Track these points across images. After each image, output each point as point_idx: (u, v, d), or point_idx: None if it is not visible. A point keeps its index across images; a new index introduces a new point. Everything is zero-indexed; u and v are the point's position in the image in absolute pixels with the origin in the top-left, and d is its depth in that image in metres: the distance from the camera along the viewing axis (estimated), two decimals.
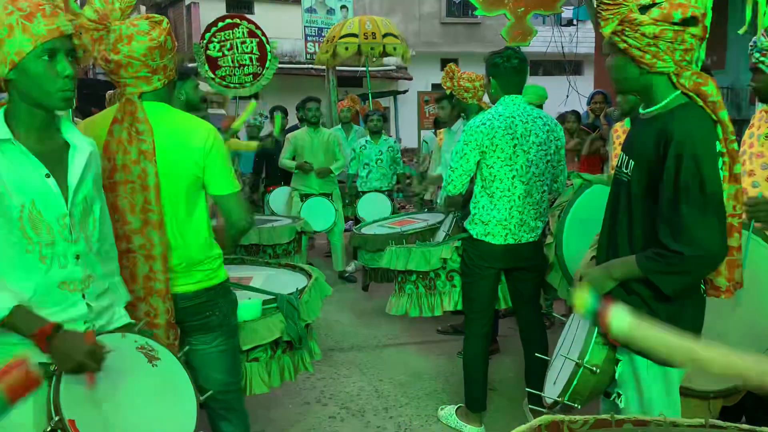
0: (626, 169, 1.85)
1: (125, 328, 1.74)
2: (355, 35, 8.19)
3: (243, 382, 2.36)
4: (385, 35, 8.33)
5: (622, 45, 1.74)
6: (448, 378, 3.87)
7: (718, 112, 1.72)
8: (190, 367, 2.14)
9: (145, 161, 1.86)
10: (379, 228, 5.11)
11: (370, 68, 8.83)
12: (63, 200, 1.59)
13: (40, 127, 1.60)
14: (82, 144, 1.66)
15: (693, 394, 2.34)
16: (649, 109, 1.82)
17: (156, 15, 1.97)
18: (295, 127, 7.13)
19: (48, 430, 1.45)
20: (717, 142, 1.70)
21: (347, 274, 6.29)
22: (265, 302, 2.45)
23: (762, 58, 2.41)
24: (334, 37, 8.39)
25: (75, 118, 3.88)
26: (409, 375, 3.93)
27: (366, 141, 6.41)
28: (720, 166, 1.71)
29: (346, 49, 8.17)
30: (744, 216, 2.07)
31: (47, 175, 1.57)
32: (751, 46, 2.47)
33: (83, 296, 1.64)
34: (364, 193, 6.34)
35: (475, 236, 3.02)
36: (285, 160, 6.05)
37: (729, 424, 1.26)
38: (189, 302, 2.03)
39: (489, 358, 3.45)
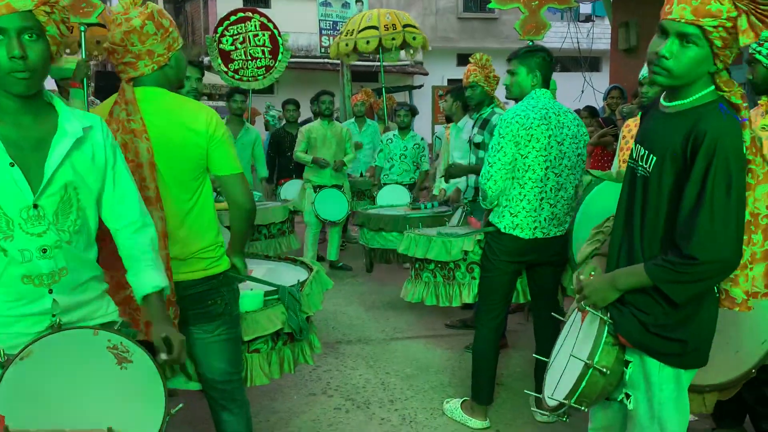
0: (645, 163, 1.76)
1: (106, 326, 1.67)
2: (375, 27, 8.11)
3: (243, 373, 2.36)
4: (405, 26, 8.25)
5: (720, 42, 1.58)
6: (455, 372, 3.86)
7: (743, 114, 1.65)
8: (192, 357, 2.16)
9: (136, 139, 1.91)
10: (385, 211, 5.22)
11: (385, 63, 8.76)
12: (29, 191, 1.51)
13: (17, 112, 1.52)
14: (72, 129, 1.57)
15: (689, 389, 2.31)
16: (675, 102, 1.72)
17: (149, 2, 1.99)
18: (308, 120, 7.19)
19: None
20: (744, 145, 1.63)
21: (341, 264, 6.45)
22: (266, 294, 2.45)
23: (759, 48, 2.37)
24: (353, 30, 8.26)
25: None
26: (416, 368, 3.93)
27: (393, 135, 6.48)
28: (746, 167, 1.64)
29: (367, 42, 8.06)
30: None
31: (11, 164, 1.49)
32: None
33: (50, 291, 1.56)
34: (385, 185, 6.43)
35: (502, 230, 2.98)
36: (299, 153, 6.15)
37: None
38: (191, 290, 2.04)
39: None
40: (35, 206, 1.51)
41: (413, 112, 6.77)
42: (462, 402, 3.27)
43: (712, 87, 1.68)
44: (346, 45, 8.21)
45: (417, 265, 3.54)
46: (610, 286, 1.79)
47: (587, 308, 1.86)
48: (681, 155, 1.65)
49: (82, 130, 1.59)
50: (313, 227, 6.21)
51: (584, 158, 3.05)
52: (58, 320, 1.58)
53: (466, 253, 3.26)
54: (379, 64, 8.75)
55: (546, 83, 3.03)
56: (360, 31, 8.18)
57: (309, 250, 6.32)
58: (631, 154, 1.87)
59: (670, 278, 1.65)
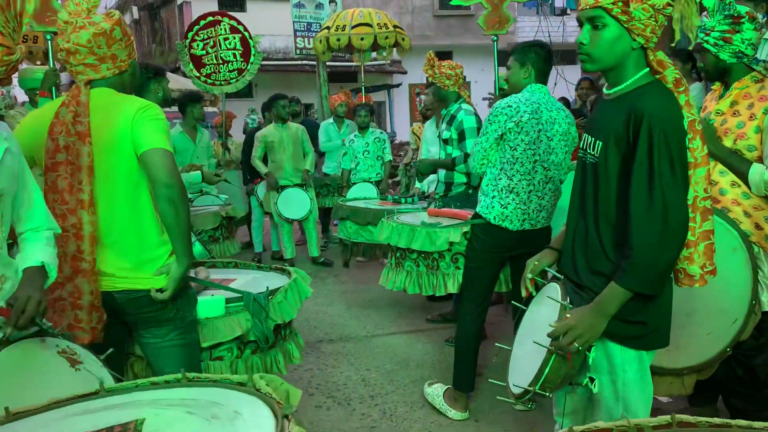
0: (593, 150, 1.83)
1: (44, 332, 1.67)
2: (369, 25, 8.08)
3: None
4: (394, 26, 8.29)
5: (624, 17, 1.68)
6: (435, 365, 3.90)
7: (679, 95, 1.72)
8: (147, 362, 2.17)
9: (79, 142, 1.92)
10: (366, 204, 5.30)
11: (364, 63, 8.76)
12: None
13: None
14: None
15: (666, 372, 2.36)
16: (615, 89, 1.79)
17: (113, 10, 2.02)
18: None
19: None
20: (684, 121, 1.70)
21: (322, 260, 6.58)
22: (230, 300, 2.41)
23: (706, 38, 2.43)
24: (345, 26, 8.16)
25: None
26: (396, 363, 3.96)
27: (354, 135, 6.66)
28: (687, 146, 1.70)
29: (362, 39, 8.05)
30: None
31: None
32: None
33: None
34: (354, 184, 6.54)
35: (492, 221, 3.00)
36: (257, 160, 6.32)
37: (699, 418, 1.21)
38: (140, 293, 2.02)
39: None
40: None
41: (371, 110, 6.94)
42: (445, 391, 3.28)
43: (647, 69, 1.76)
44: (338, 40, 8.18)
45: (398, 254, 3.55)
46: (599, 317, 1.74)
47: (580, 348, 1.76)
48: (624, 137, 1.72)
49: (5, 140, 1.62)
50: (285, 226, 6.39)
51: (571, 156, 3.08)
52: (5, 334, 1.58)
53: (451, 243, 3.27)
54: (357, 64, 8.77)
55: (541, 78, 3.03)
56: (353, 27, 8.17)
57: (287, 248, 6.46)
58: (580, 144, 1.93)
59: (646, 278, 1.68)
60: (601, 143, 1.79)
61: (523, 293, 2.05)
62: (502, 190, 2.98)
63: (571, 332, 1.73)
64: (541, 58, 3.01)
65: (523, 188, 2.95)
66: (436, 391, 3.31)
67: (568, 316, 1.78)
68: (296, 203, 6.23)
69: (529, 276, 2.05)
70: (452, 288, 3.35)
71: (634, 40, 1.72)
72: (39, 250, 1.72)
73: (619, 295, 1.72)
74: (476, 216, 3.12)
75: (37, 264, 1.68)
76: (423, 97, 5.65)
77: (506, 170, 2.96)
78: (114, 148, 1.97)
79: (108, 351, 1.75)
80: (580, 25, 1.78)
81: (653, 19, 1.68)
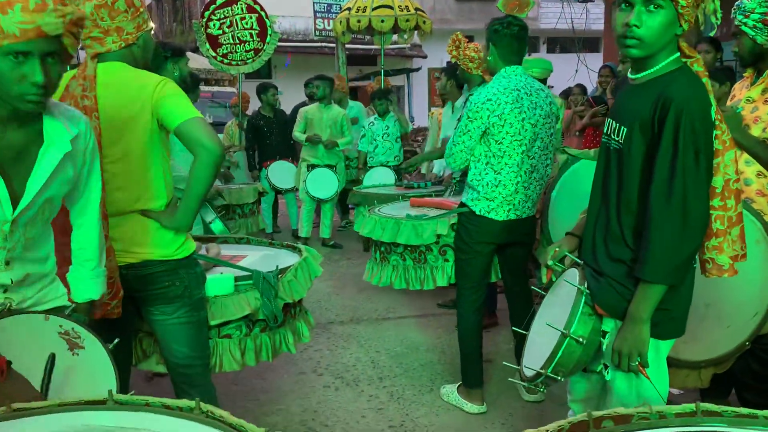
0: (617, 136, 1.77)
1: (55, 311, 1.63)
2: (390, 7, 8.00)
3: (213, 358, 2.30)
4: (416, 9, 8.21)
5: (684, 1, 1.59)
6: (445, 350, 3.89)
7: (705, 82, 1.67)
8: (155, 338, 2.16)
9: (86, 116, 1.87)
10: (380, 189, 5.34)
11: (384, 46, 8.67)
12: (9, 206, 1.45)
13: (4, 120, 1.44)
14: (59, 140, 1.50)
15: (684, 365, 2.32)
16: (642, 74, 1.73)
17: None
18: (303, 104, 7.22)
19: None
20: (712, 109, 1.64)
21: (332, 243, 6.72)
22: (239, 278, 2.39)
23: (745, 20, 2.35)
24: (365, 7, 8.08)
25: None
26: (406, 347, 3.96)
27: (375, 118, 6.75)
28: (714, 135, 1.65)
29: (382, 21, 7.97)
30: None
31: None
32: (734, 9, 2.41)
33: (5, 290, 1.55)
34: (372, 167, 6.58)
35: (477, 212, 2.95)
36: (297, 133, 6.45)
37: (725, 408, 1.18)
38: (147, 270, 2.01)
39: (488, 331, 3.41)
40: (13, 222, 1.48)
41: (388, 98, 6.97)
42: (459, 386, 3.24)
43: (677, 54, 1.70)
44: (358, 21, 8.10)
45: (383, 248, 3.43)
46: (635, 326, 1.72)
47: (637, 364, 1.77)
48: (649, 123, 1.67)
49: (70, 143, 1.53)
50: (307, 204, 6.49)
51: (557, 137, 3.02)
52: (8, 304, 1.55)
53: (438, 236, 3.19)
54: (377, 47, 8.69)
55: (510, 57, 2.88)
56: (374, 9, 8.08)
57: (304, 227, 6.55)
58: (605, 130, 1.87)
59: (665, 270, 1.64)
60: (626, 129, 1.73)
61: (544, 279, 2.02)
62: (487, 184, 2.91)
63: (623, 357, 1.74)
64: (504, 35, 2.84)
65: (510, 180, 2.88)
66: (450, 389, 3.26)
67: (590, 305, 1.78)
68: (324, 183, 6.34)
69: (550, 262, 2.01)
70: (441, 281, 3.25)
71: (681, 26, 1.64)
72: (91, 281, 1.75)
73: (651, 291, 1.68)
74: (462, 206, 3.05)
75: (87, 301, 1.74)
76: (437, 84, 5.59)
77: (493, 164, 2.88)
78: (130, 126, 1.92)
79: (115, 341, 1.67)
80: (629, 6, 1.65)
81: (697, 5, 1.63)
